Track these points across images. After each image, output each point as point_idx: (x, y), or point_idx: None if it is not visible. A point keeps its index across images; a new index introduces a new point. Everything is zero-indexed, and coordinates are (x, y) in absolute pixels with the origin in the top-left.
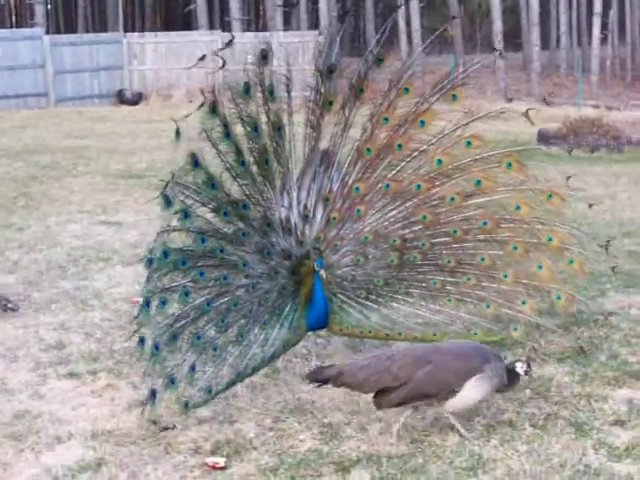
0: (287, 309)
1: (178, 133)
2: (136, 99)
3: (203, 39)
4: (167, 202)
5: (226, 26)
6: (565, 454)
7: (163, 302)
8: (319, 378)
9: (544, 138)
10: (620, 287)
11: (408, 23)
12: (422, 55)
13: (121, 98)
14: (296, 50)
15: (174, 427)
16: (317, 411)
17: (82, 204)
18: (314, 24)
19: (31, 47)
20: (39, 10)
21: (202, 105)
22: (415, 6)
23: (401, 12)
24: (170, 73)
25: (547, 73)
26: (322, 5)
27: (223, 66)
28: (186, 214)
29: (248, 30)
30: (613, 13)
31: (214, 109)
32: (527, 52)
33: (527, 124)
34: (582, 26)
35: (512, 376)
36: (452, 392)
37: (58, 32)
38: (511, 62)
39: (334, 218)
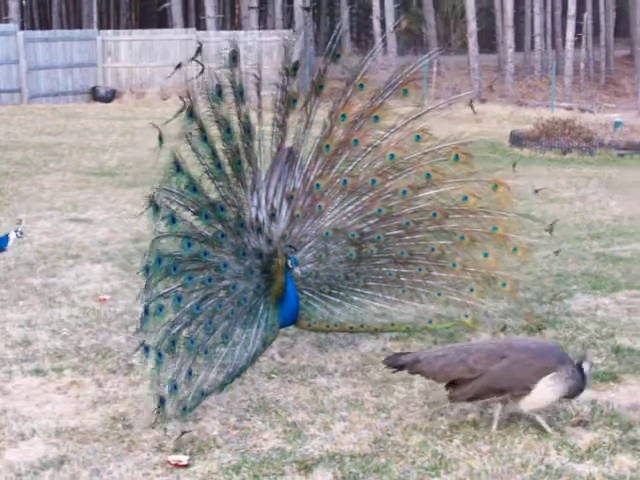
0: (262, 308)
1: (161, 139)
2: (110, 96)
3: (178, 37)
4: (155, 209)
5: (201, 24)
6: (527, 454)
7: (160, 308)
8: (396, 364)
9: (516, 140)
10: (587, 289)
11: (383, 23)
12: (395, 55)
13: (95, 95)
14: (271, 49)
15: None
16: (281, 410)
17: (52, 201)
18: (289, 23)
19: (5, 43)
20: (13, 6)
21: (181, 110)
22: (390, 6)
23: (376, 12)
24: (144, 71)
25: (521, 75)
26: (297, 4)
27: (202, 72)
28: (173, 219)
29: (223, 29)
30: (587, 16)
31: (192, 113)
32: (501, 54)
33: (500, 126)
34: (556, 28)
35: (583, 377)
36: (526, 389)
37: (32, 28)
38: (485, 63)
39: (297, 215)
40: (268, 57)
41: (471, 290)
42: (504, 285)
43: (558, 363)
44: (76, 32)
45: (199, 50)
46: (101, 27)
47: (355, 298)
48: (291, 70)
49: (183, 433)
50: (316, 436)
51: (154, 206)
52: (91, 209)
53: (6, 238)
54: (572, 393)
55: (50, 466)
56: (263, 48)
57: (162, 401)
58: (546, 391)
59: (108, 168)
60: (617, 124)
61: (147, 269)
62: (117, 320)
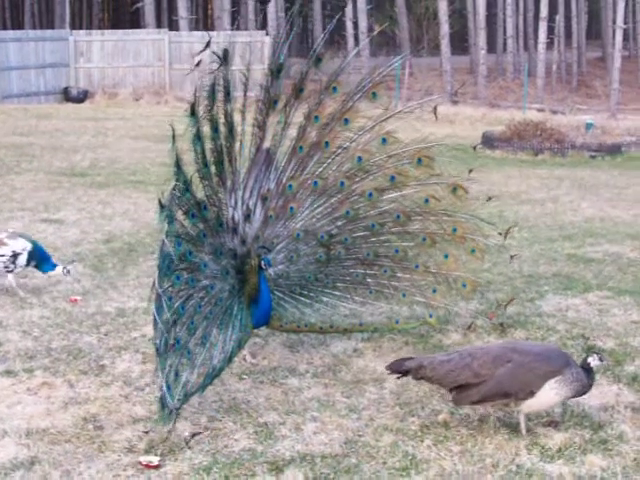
0: (236, 308)
1: (174, 138)
2: (82, 97)
3: (150, 38)
4: (162, 208)
5: (173, 25)
6: (498, 454)
7: (158, 308)
8: (399, 370)
9: (488, 141)
10: (558, 289)
11: (356, 25)
12: (367, 57)
13: (67, 95)
14: (243, 50)
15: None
16: (252, 410)
17: (24, 202)
18: (261, 24)
19: None
20: None
21: (192, 108)
22: (362, 8)
23: (348, 14)
24: (116, 71)
25: (493, 76)
26: (270, 5)
27: (219, 67)
28: (171, 219)
29: (196, 29)
30: (559, 18)
31: (193, 111)
32: (474, 55)
33: (473, 127)
34: (529, 30)
35: (589, 373)
36: (531, 393)
37: (4, 28)
38: (458, 65)
39: (271, 216)
40: (240, 58)
41: (434, 291)
42: (464, 286)
43: (563, 366)
44: (48, 32)
45: (208, 44)
46: (73, 27)
47: (325, 299)
48: (276, 72)
49: (193, 435)
50: (287, 437)
51: (161, 206)
52: (63, 210)
53: (53, 266)
54: (576, 394)
55: (21, 467)
56: (238, 49)
57: (162, 402)
58: (550, 394)
59: (80, 169)
60: (589, 126)
61: (160, 268)
62: (88, 321)
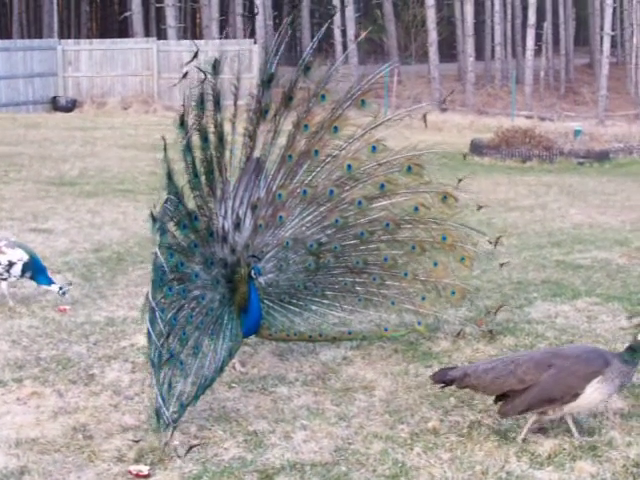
0: (227, 317)
1: (165, 151)
2: (70, 106)
3: (138, 46)
4: (154, 220)
5: (162, 34)
6: (488, 461)
7: (152, 321)
8: (444, 379)
9: (477, 148)
10: (547, 296)
11: (344, 33)
12: (356, 65)
13: (55, 105)
14: (232, 59)
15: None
16: (242, 419)
17: (12, 211)
18: (249, 33)
19: None
20: None
21: (181, 119)
22: (351, 16)
23: (337, 22)
24: (105, 80)
25: (482, 84)
26: (258, 14)
27: (204, 80)
28: (163, 230)
29: (184, 38)
30: (547, 25)
31: (182, 122)
32: (462, 63)
33: (461, 135)
34: (516, 37)
35: (635, 353)
36: (575, 395)
37: None
38: (446, 72)
39: (260, 225)
40: (228, 67)
41: (423, 299)
42: (453, 293)
43: (603, 366)
44: (36, 42)
45: (195, 55)
46: (62, 37)
47: (314, 307)
48: (266, 82)
49: (191, 447)
50: (277, 445)
51: (152, 218)
52: (51, 219)
53: (49, 281)
54: (619, 389)
55: (10, 477)
56: (224, 58)
57: (158, 414)
58: (594, 395)
59: (69, 178)
60: (577, 132)
61: (154, 281)
62: (77, 330)
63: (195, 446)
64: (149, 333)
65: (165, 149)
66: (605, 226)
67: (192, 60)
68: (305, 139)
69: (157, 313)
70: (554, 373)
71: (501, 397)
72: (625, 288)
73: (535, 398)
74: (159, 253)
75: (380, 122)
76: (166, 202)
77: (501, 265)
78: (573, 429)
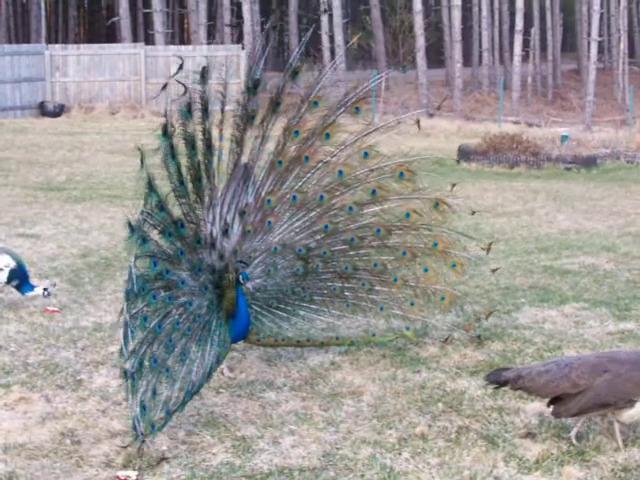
0: (214, 324)
1: (142, 161)
2: (58, 111)
3: (126, 52)
4: (132, 230)
5: (150, 39)
6: (476, 466)
7: (131, 331)
8: (498, 380)
9: (464, 154)
10: (535, 301)
11: (332, 39)
12: (344, 71)
13: (43, 110)
14: (220, 64)
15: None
16: (230, 424)
17: (0, 216)
18: (237, 38)
19: None
20: None
21: (164, 129)
22: (338, 22)
23: (324, 28)
24: (92, 85)
25: (469, 89)
26: (246, 19)
27: (185, 92)
28: (144, 239)
29: (172, 43)
30: (534, 31)
31: (165, 131)
32: (449, 68)
33: (449, 140)
34: (504, 43)
35: None
36: (630, 402)
37: None
38: (434, 78)
39: (249, 231)
40: (217, 72)
41: (411, 304)
42: (443, 299)
43: None
44: (24, 47)
45: (181, 67)
46: (49, 42)
47: (302, 312)
48: (252, 87)
49: (161, 460)
50: (265, 450)
51: (130, 228)
52: (39, 224)
53: (31, 287)
54: None
55: None
56: (211, 63)
57: (135, 422)
58: None
59: (56, 183)
60: (564, 138)
61: (128, 293)
62: (65, 335)
63: (164, 459)
64: (121, 347)
65: (142, 161)
66: (592, 231)
67: (177, 72)
68: (295, 145)
69: (129, 328)
70: (609, 379)
71: (555, 399)
72: (612, 293)
73: (588, 402)
74: (133, 267)
75: (373, 129)
76: (141, 213)
77: (493, 271)
78: (619, 439)
